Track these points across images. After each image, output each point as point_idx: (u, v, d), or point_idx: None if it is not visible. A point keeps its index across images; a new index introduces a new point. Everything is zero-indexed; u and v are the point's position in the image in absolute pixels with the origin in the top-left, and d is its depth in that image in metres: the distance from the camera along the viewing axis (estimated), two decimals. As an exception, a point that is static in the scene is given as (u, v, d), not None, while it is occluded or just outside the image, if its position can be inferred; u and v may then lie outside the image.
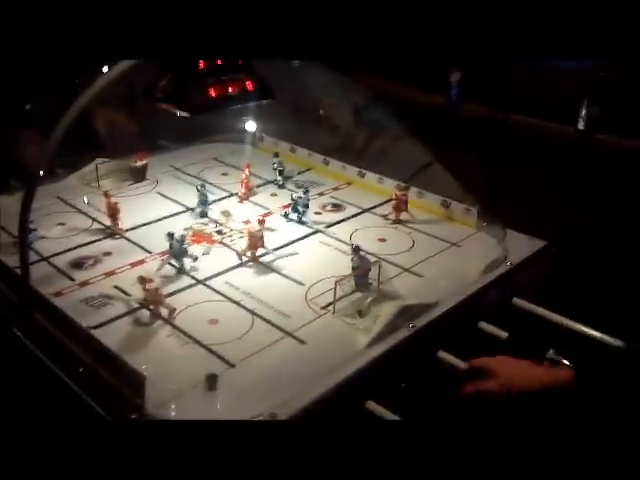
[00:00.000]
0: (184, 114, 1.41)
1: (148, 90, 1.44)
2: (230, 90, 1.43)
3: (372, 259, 1.47)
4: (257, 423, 1.05)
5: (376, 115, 1.80)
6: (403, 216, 1.71)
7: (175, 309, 1.33)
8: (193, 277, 1.46)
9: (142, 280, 1.33)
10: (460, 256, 1.57)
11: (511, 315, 1.43)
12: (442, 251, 1.59)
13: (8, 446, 1.02)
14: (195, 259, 1.51)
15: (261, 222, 1.55)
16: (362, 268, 1.40)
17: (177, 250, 1.48)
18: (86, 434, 1.05)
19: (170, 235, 1.48)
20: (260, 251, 1.54)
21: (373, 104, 1.77)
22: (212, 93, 1.41)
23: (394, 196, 1.70)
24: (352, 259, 1.41)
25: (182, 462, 0.95)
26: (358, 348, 1.24)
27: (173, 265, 1.49)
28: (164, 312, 1.32)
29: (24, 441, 1.03)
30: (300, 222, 1.71)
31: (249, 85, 1.46)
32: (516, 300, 1.45)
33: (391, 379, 1.23)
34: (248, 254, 1.53)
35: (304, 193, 1.70)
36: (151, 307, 1.33)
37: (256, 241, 1.52)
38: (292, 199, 1.70)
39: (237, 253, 1.54)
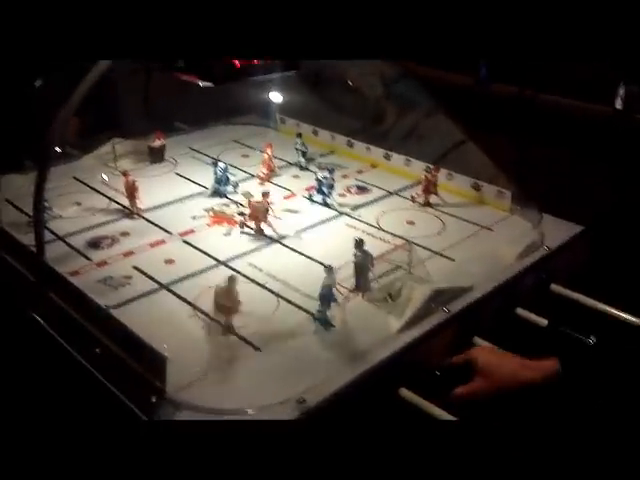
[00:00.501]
0: (207, 84, 1.34)
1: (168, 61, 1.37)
2: (255, 61, 1.37)
3: (401, 242, 1.40)
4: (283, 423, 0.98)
5: (405, 90, 1.72)
6: (432, 199, 1.64)
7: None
8: (214, 258, 1.40)
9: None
10: (493, 240, 1.49)
11: (549, 302, 1.36)
12: (474, 234, 1.52)
13: (23, 428, 0.97)
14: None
15: (265, 195, 1.49)
16: (366, 264, 1.28)
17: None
18: (105, 420, 1.00)
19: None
20: (284, 231, 1.48)
21: (403, 78, 1.69)
22: (236, 62, 1.34)
23: (423, 177, 1.63)
24: (354, 254, 1.28)
25: (204, 461, 0.89)
26: (390, 332, 1.17)
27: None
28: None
29: (39, 424, 0.98)
30: (325, 204, 1.64)
31: (274, 56, 1.39)
32: (554, 286, 1.38)
33: (425, 366, 1.16)
34: (252, 225, 1.49)
35: (329, 173, 1.63)
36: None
37: (258, 214, 1.48)
38: (317, 179, 1.64)
39: (239, 222, 1.51)
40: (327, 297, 1.19)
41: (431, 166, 1.66)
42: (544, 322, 1.27)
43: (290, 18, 1.09)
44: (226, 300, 1.15)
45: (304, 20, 1.09)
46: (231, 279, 1.14)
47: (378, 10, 1.09)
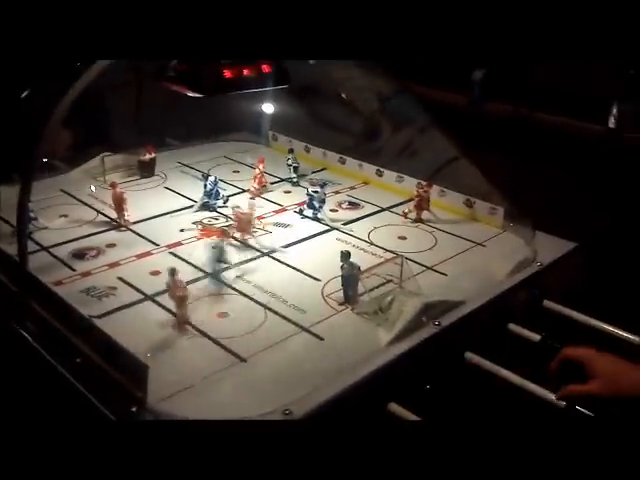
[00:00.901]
0: (196, 95, 1.32)
1: (159, 70, 1.36)
2: (245, 72, 1.35)
3: (392, 255, 1.38)
4: (268, 423, 0.96)
5: (400, 106, 1.71)
6: (424, 215, 1.62)
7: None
8: (201, 270, 1.37)
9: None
10: (486, 256, 1.48)
11: (542, 317, 1.33)
12: (466, 250, 1.50)
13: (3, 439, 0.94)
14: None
15: (251, 207, 1.48)
16: (353, 276, 1.26)
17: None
18: (84, 430, 0.96)
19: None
20: (273, 245, 1.46)
21: (398, 94, 1.68)
22: (227, 74, 1.32)
23: (416, 192, 1.61)
24: (342, 267, 1.27)
25: (184, 463, 0.86)
26: (379, 346, 1.14)
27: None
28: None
29: (18, 435, 0.95)
30: (316, 219, 1.62)
31: (265, 68, 1.38)
32: (547, 302, 1.36)
33: (415, 380, 1.13)
34: (237, 236, 1.47)
35: (320, 187, 1.61)
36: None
37: (243, 225, 1.46)
38: (307, 194, 1.62)
39: (224, 232, 1.49)
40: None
41: (423, 182, 1.65)
42: (536, 337, 1.24)
43: (280, 18, 1.08)
44: (173, 292, 1.18)
45: (293, 20, 1.08)
46: (170, 271, 1.18)
47: (367, 10, 1.08)
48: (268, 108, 1.94)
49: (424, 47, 1.13)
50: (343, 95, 1.83)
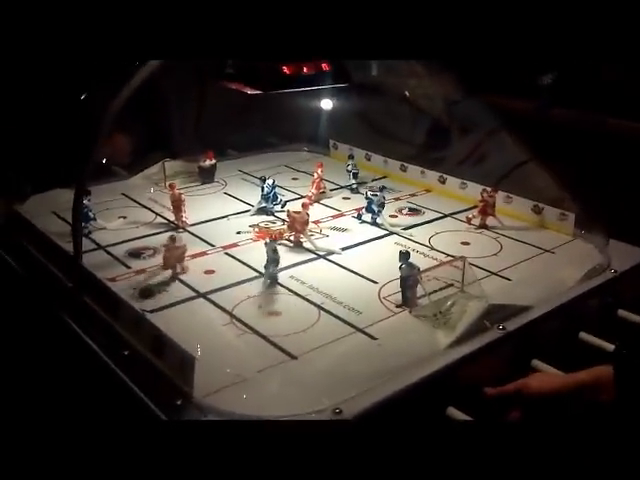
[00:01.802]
0: (255, 92, 1.31)
1: (217, 69, 1.35)
2: (305, 70, 1.33)
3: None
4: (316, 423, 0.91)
5: (466, 110, 1.66)
6: (490, 221, 1.55)
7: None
8: (255, 269, 1.34)
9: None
10: (555, 263, 1.39)
11: (615, 327, 1.24)
12: (534, 257, 1.41)
13: (50, 428, 0.93)
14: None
15: (305, 206, 1.44)
16: (412, 278, 1.20)
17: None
18: (129, 423, 0.94)
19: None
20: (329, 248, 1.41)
21: (464, 99, 1.63)
22: (286, 71, 1.30)
23: (480, 197, 1.54)
24: (400, 267, 1.21)
25: (228, 461, 0.82)
26: (438, 349, 1.08)
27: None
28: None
29: (65, 425, 0.93)
30: (374, 224, 1.57)
31: (325, 66, 1.36)
32: (621, 311, 1.26)
33: (477, 386, 1.06)
34: (290, 237, 1.44)
35: (380, 191, 1.56)
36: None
37: (296, 224, 1.42)
38: (366, 197, 1.57)
39: (276, 234, 1.46)
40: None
41: (489, 188, 1.58)
42: (610, 347, 1.15)
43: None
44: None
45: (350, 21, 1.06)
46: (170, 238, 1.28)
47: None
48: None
49: (492, 49, 1.09)
50: (407, 95, 1.78)
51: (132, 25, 1.06)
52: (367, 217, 1.58)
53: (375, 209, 1.55)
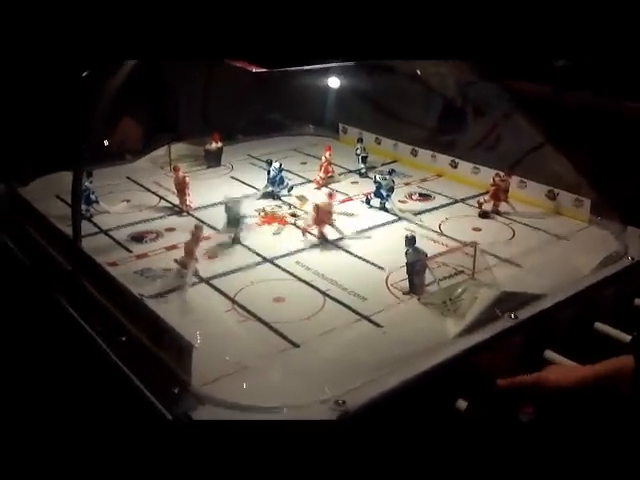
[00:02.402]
0: (261, 70, 1.25)
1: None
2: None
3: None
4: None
5: (480, 93, 1.61)
6: (502, 207, 1.50)
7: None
8: (260, 255, 1.30)
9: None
10: (570, 250, 1.34)
11: (633, 317, 1.19)
12: (548, 243, 1.37)
13: (45, 413, 0.90)
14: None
15: (331, 195, 1.40)
16: (419, 263, 1.16)
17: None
18: (126, 412, 0.91)
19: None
20: (334, 234, 1.37)
21: (478, 81, 1.58)
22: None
23: (492, 182, 1.49)
24: (406, 252, 1.17)
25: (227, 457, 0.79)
26: (447, 337, 1.04)
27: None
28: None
29: (60, 410, 0.91)
30: (383, 208, 1.52)
31: (334, 43, 1.30)
32: (638, 301, 1.22)
33: (487, 377, 1.01)
34: (314, 231, 1.37)
35: (389, 174, 1.51)
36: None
37: (324, 216, 1.36)
38: (375, 181, 1.52)
39: (302, 229, 1.40)
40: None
41: (501, 172, 1.53)
42: (627, 338, 1.11)
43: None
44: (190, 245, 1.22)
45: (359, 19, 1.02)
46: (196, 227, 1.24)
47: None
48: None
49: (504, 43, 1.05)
50: (419, 75, 1.72)
51: (132, 20, 1.03)
52: (376, 202, 1.53)
53: (384, 194, 1.51)
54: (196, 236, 1.23)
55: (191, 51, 1.10)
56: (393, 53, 1.09)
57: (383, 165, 1.83)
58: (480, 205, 1.51)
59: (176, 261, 1.25)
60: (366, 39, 1.05)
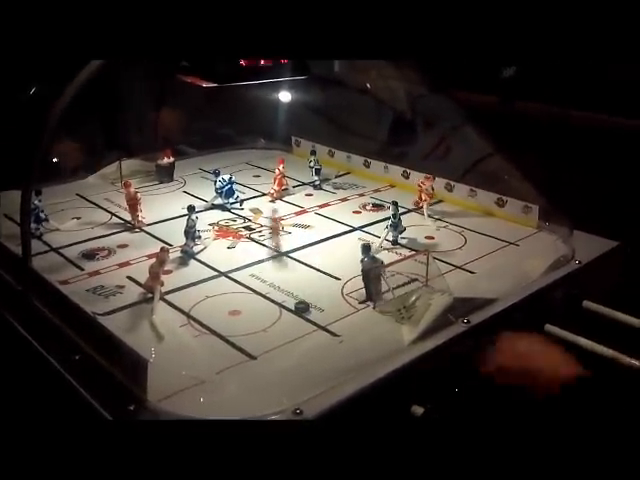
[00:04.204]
0: (211, 85, 1.26)
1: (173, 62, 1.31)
2: (262, 61, 1.29)
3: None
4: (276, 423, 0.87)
5: (430, 105, 1.64)
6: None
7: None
8: (215, 269, 1.30)
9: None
10: (519, 255, 1.37)
11: (581, 318, 1.23)
12: (498, 250, 1.40)
13: None
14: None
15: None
16: (374, 272, 1.17)
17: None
18: (79, 429, 0.89)
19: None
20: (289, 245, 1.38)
21: (428, 94, 1.61)
22: (242, 63, 1.26)
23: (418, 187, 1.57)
24: (362, 260, 1.18)
25: (183, 464, 0.78)
26: (402, 344, 1.05)
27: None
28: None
29: (13, 432, 0.88)
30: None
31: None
32: (587, 302, 1.25)
33: (442, 382, 1.03)
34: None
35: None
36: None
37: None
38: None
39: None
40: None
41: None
42: (577, 339, 1.14)
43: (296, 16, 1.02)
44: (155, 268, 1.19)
45: (311, 18, 1.02)
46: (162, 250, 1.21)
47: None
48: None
49: (450, 45, 1.07)
50: (369, 88, 1.74)
51: (81, 24, 1.01)
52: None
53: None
54: (161, 259, 1.20)
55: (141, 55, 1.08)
56: (337, 52, 1.10)
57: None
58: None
59: (141, 285, 1.22)
60: (311, 39, 1.05)
